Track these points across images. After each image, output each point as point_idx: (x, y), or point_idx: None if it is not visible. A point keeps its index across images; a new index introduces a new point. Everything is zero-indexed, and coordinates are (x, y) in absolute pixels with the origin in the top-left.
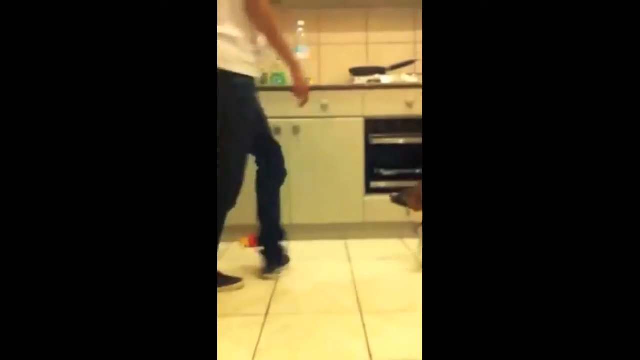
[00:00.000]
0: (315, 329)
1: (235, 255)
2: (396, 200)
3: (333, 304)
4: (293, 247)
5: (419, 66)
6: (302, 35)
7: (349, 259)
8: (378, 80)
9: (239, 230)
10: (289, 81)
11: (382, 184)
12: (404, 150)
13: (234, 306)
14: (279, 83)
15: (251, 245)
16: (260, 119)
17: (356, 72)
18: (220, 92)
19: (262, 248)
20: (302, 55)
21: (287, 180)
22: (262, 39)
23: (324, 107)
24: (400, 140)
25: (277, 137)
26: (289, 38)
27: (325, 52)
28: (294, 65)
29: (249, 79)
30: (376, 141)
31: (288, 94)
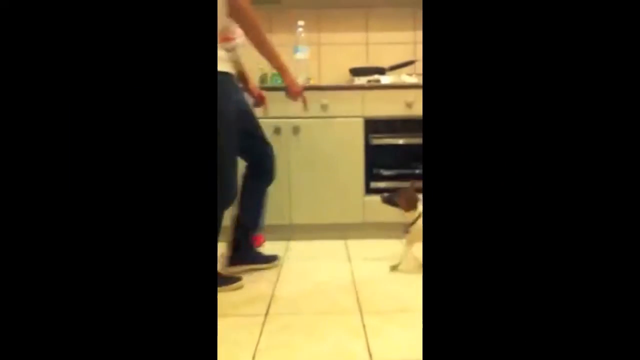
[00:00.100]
0: (315, 329)
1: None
2: (387, 201)
3: (333, 304)
4: (293, 247)
5: (419, 66)
6: (302, 35)
7: (349, 259)
8: (378, 81)
9: None
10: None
11: (382, 184)
12: (403, 151)
13: (234, 306)
14: (278, 83)
15: None
16: (244, 116)
17: (356, 72)
18: None
19: (233, 239)
20: (302, 55)
21: (287, 180)
22: (239, 35)
23: (324, 107)
24: (400, 141)
25: (277, 137)
26: (288, 38)
27: (325, 52)
28: (281, 68)
29: (222, 74)
30: (376, 141)
31: (264, 94)
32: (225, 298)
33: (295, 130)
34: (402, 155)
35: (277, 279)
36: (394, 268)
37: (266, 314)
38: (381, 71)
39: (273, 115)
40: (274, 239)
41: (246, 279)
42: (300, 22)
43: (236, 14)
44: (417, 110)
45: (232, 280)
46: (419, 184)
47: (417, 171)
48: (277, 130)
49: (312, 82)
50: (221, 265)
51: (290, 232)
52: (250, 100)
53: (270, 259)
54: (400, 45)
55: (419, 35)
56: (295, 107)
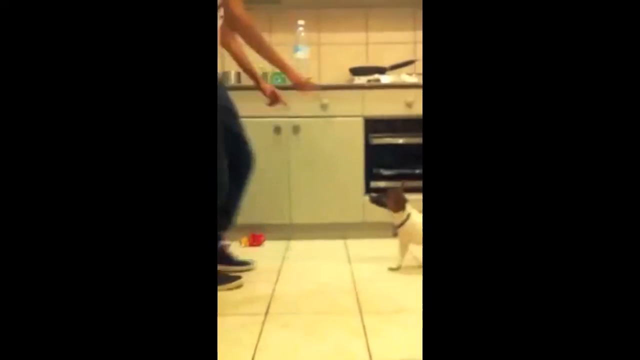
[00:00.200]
0: (315, 329)
1: (235, 254)
2: (375, 201)
3: (333, 304)
4: (293, 247)
5: (419, 66)
6: (302, 34)
7: (349, 259)
8: (378, 80)
9: (238, 230)
10: (289, 81)
11: (382, 184)
12: (403, 150)
13: (234, 305)
14: (279, 82)
15: (251, 245)
16: (225, 112)
17: (356, 71)
18: None
19: None
20: (302, 54)
21: (287, 179)
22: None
23: (324, 106)
24: (400, 140)
25: (277, 137)
26: (288, 38)
27: (325, 51)
28: (284, 67)
29: None
30: (376, 141)
31: (288, 93)
32: (225, 297)
33: (295, 129)
34: (402, 154)
35: (277, 279)
36: (393, 270)
37: (266, 314)
38: (381, 71)
39: (273, 115)
40: (273, 239)
41: (246, 278)
42: (301, 22)
43: (234, 23)
44: (417, 110)
45: (231, 279)
46: (409, 184)
47: (417, 171)
48: (277, 130)
49: (312, 82)
50: None
51: (290, 231)
52: (265, 100)
53: (243, 264)
54: (400, 45)
55: (419, 35)
56: (295, 106)
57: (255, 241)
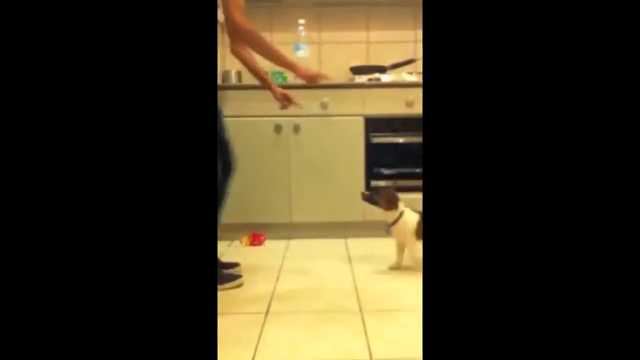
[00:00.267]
0: (315, 328)
1: (235, 253)
2: (367, 199)
3: (333, 303)
4: (293, 246)
5: (419, 65)
6: (303, 33)
7: (349, 258)
8: (378, 79)
9: (239, 229)
10: (290, 80)
11: (382, 183)
12: (404, 150)
13: (234, 305)
14: (279, 82)
15: (251, 244)
16: None
17: (356, 70)
18: None
19: None
20: (302, 53)
21: (287, 179)
22: None
23: (324, 105)
24: (401, 139)
25: (277, 136)
26: (289, 36)
27: (326, 50)
28: (291, 65)
29: None
30: (376, 140)
31: (289, 92)
32: (225, 296)
33: (296, 128)
34: (402, 154)
35: (278, 278)
36: (393, 269)
37: (266, 313)
38: (382, 70)
39: (273, 114)
40: (274, 238)
41: (246, 277)
42: (301, 21)
43: (236, 32)
44: (418, 109)
45: (232, 278)
46: (402, 183)
47: (418, 170)
48: (278, 129)
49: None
50: None
51: (290, 230)
52: (277, 104)
53: (230, 266)
54: (401, 44)
55: (420, 34)
56: (296, 105)
57: (256, 240)
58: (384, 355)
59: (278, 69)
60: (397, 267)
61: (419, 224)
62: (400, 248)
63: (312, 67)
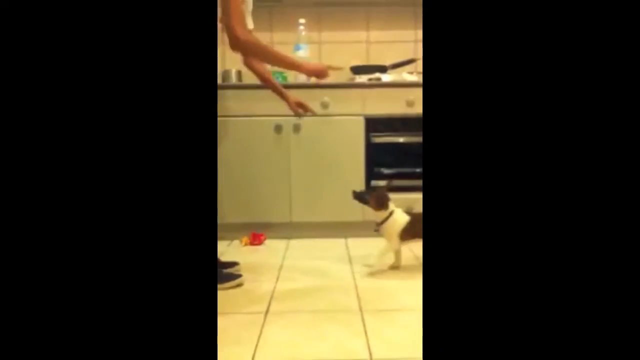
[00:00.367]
0: (315, 328)
1: (235, 253)
2: (357, 197)
3: (333, 303)
4: (293, 245)
5: (419, 65)
6: (303, 33)
7: (349, 258)
8: (379, 79)
9: (239, 229)
10: (290, 80)
11: (382, 183)
12: (404, 149)
13: (234, 304)
14: (279, 81)
15: (251, 244)
16: None
17: (357, 70)
18: None
19: None
20: (302, 53)
21: (287, 178)
22: None
23: (324, 105)
24: (401, 139)
25: (278, 135)
26: (289, 36)
27: (326, 50)
28: (296, 66)
29: None
30: (377, 140)
31: (290, 92)
32: (225, 296)
33: (296, 128)
34: (402, 153)
35: (278, 277)
36: (394, 268)
37: (266, 312)
38: (382, 69)
39: (274, 114)
40: (274, 237)
41: (246, 277)
42: (301, 21)
43: (238, 46)
44: (418, 108)
45: (231, 277)
46: (402, 182)
47: (418, 170)
48: (278, 129)
49: (313, 80)
50: None
51: (290, 230)
52: (291, 111)
53: (230, 265)
54: (401, 44)
55: (420, 33)
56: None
57: (256, 240)
58: (384, 355)
59: (278, 68)
60: (396, 267)
61: (407, 225)
62: (395, 247)
63: (317, 62)
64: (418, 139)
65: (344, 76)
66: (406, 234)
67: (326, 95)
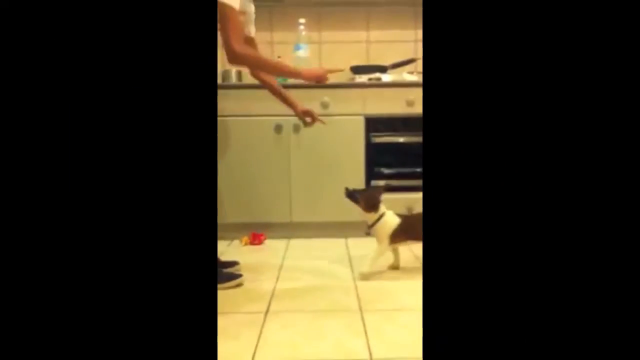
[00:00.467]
0: (315, 327)
1: (235, 253)
2: (349, 196)
3: (333, 303)
4: (293, 245)
5: (420, 65)
6: (303, 33)
7: (349, 258)
8: (379, 79)
9: (239, 229)
10: (290, 79)
11: (382, 183)
12: (404, 149)
13: (234, 304)
14: (279, 82)
15: (251, 243)
16: None
17: (357, 70)
18: None
19: None
20: (302, 53)
21: (287, 178)
22: None
23: (324, 105)
24: (401, 139)
25: (278, 135)
26: (289, 36)
27: (326, 50)
28: (295, 74)
29: None
30: (377, 140)
31: (290, 92)
32: (225, 296)
33: (296, 128)
34: (402, 153)
35: (277, 277)
36: (393, 268)
37: (266, 312)
38: (382, 69)
39: (274, 114)
40: (274, 237)
41: (246, 276)
42: (301, 20)
43: (236, 60)
44: (418, 108)
45: (231, 277)
46: (402, 182)
47: (418, 170)
48: (278, 129)
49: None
50: None
51: (290, 230)
52: (300, 121)
53: (229, 265)
54: (401, 44)
55: (420, 33)
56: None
57: (256, 240)
58: (384, 354)
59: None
60: (396, 267)
61: (398, 227)
62: (390, 248)
63: (316, 67)
64: (418, 139)
65: (344, 76)
66: (398, 237)
67: (326, 95)
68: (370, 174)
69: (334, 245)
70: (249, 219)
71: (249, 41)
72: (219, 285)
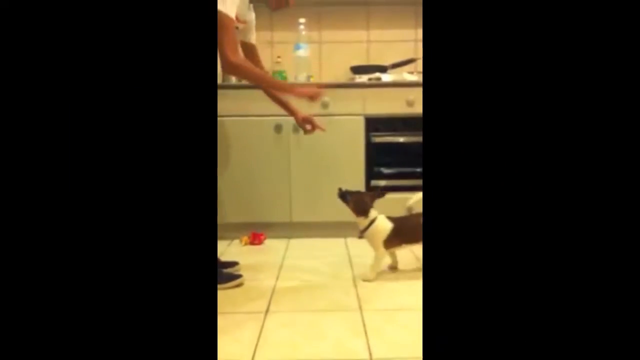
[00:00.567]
0: (315, 327)
1: (235, 253)
2: (342, 196)
3: (333, 302)
4: (293, 245)
5: (420, 64)
6: (303, 32)
7: (349, 257)
8: (379, 79)
9: (239, 229)
10: (290, 79)
11: (382, 183)
12: (404, 149)
13: (234, 304)
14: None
15: (251, 243)
16: None
17: (357, 70)
18: None
19: None
20: (302, 53)
21: (287, 178)
22: None
23: (324, 105)
24: (401, 139)
25: (278, 135)
26: (289, 36)
27: (326, 50)
28: (288, 90)
29: None
30: (377, 139)
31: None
32: (225, 295)
33: (296, 128)
34: (403, 153)
35: (277, 277)
36: (393, 269)
37: (266, 312)
38: (382, 69)
39: (274, 113)
40: (274, 237)
41: (246, 276)
42: (302, 20)
43: (231, 71)
44: (418, 108)
45: (231, 277)
46: (402, 182)
47: (418, 170)
48: (278, 128)
49: (313, 80)
50: None
51: (290, 229)
52: (301, 128)
53: (229, 265)
54: (402, 43)
55: (420, 33)
56: (296, 104)
57: (256, 240)
58: (384, 354)
59: (278, 68)
60: (394, 267)
61: (390, 233)
62: (384, 249)
63: (310, 86)
64: (418, 138)
65: (344, 76)
66: (392, 242)
67: (326, 95)
68: (370, 174)
69: (334, 245)
70: (249, 219)
71: (250, 48)
72: (219, 285)
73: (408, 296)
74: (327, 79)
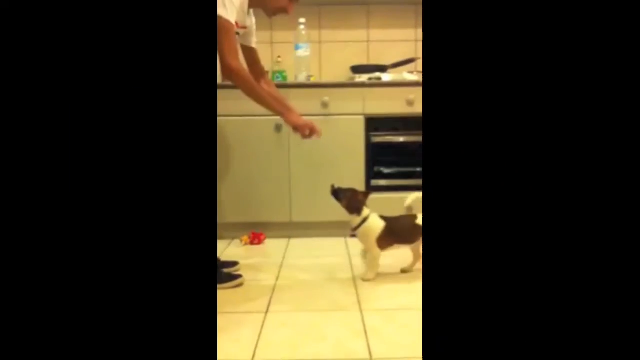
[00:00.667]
0: (315, 327)
1: (235, 252)
2: (334, 194)
3: (333, 302)
4: (293, 245)
5: (420, 64)
6: (303, 32)
7: (350, 257)
8: (379, 78)
9: (239, 228)
10: (290, 79)
11: (382, 182)
12: (404, 149)
13: (234, 304)
14: (279, 80)
15: (251, 243)
16: None
17: (357, 69)
18: None
19: None
20: (303, 52)
21: (287, 178)
22: None
23: (324, 104)
24: (401, 139)
25: (278, 135)
26: (289, 35)
27: (326, 49)
28: (280, 112)
29: None
30: (377, 139)
31: (288, 91)
32: (225, 295)
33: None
34: (403, 153)
35: (277, 277)
36: (404, 271)
37: (266, 312)
38: (382, 69)
39: (273, 113)
40: (274, 237)
41: (246, 276)
42: (302, 20)
43: (229, 74)
44: (418, 108)
45: (231, 277)
46: (402, 182)
47: (418, 169)
48: (278, 128)
49: (313, 80)
50: None
51: (290, 229)
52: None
53: (229, 265)
54: (402, 43)
55: (421, 32)
56: (296, 104)
57: (256, 239)
58: (384, 354)
59: (278, 68)
60: (407, 270)
61: (382, 232)
62: (376, 251)
63: (306, 120)
64: (418, 138)
65: (344, 75)
66: (384, 241)
67: (326, 95)
68: (370, 174)
69: (333, 245)
70: (248, 218)
71: (250, 51)
72: (219, 286)
73: (408, 296)
74: (327, 78)
